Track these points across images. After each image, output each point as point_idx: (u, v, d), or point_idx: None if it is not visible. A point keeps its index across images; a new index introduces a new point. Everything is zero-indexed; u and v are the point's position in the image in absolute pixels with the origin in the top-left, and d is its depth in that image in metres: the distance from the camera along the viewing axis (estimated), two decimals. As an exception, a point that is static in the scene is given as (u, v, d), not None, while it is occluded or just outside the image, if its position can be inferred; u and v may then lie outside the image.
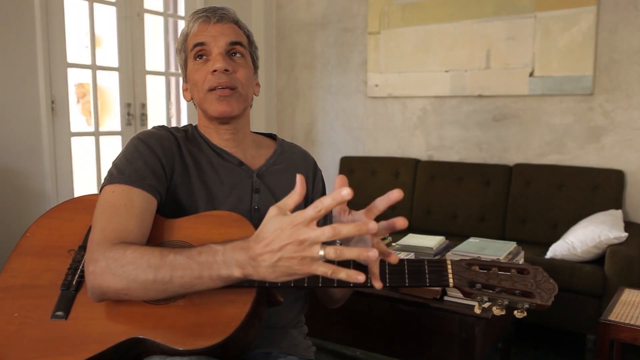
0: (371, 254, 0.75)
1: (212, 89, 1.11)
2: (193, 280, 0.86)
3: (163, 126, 1.17)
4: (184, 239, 1.01)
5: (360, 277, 0.76)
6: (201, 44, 1.12)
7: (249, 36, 1.19)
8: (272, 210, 0.81)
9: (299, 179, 0.81)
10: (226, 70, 1.10)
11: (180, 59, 1.19)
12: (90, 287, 0.92)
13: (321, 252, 0.77)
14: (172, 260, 0.87)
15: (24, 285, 1.00)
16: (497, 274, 0.93)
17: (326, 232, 0.75)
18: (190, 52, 1.14)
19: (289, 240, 0.77)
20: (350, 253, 0.76)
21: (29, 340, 0.93)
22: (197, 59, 1.13)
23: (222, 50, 1.12)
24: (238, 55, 1.14)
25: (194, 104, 1.22)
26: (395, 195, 0.81)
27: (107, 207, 0.99)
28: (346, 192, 0.75)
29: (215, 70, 1.10)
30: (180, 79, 1.23)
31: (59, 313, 0.95)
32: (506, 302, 0.90)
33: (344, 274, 0.76)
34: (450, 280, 0.92)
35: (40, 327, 0.94)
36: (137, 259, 0.89)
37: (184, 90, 1.22)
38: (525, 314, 0.90)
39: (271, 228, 0.79)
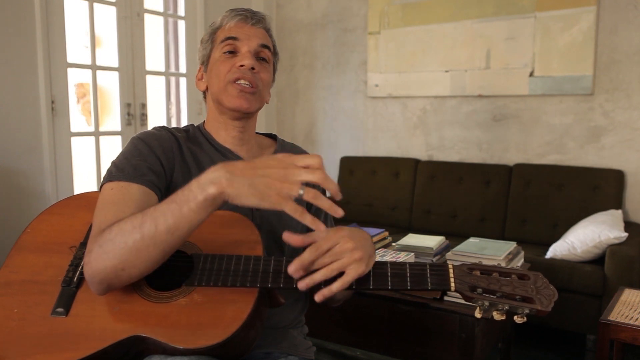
0: (340, 212, 0.83)
1: (234, 81, 1.12)
2: (176, 220, 0.85)
3: (163, 127, 1.17)
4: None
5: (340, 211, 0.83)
6: (234, 38, 1.14)
7: (275, 47, 1.22)
8: None
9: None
10: (252, 68, 1.12)
11: (204, 49, 1.20)
12: (89, 277, 0.91)
13: (301, 191, 0.81)
14: (152, 212, 0.87)
15: (24, 281, 1.00)
16: (498, 279, 0.94)
17: (316, 174, 0.82)
18: (219, 43, 1.16)
19: (276, 166, 0.82)
20: (322, 202, 0.82)
21: (29, 336, 0.93)
22: (226, 53, 1.15)
23: (252, 50, 1.14)
24: (264, 60, 1.17)
25: (204, 95, 1.23)
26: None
27: (106, 204, 0.99)
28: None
29: (242, 65, 1.12)
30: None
31: (60, 309, 0.95)
32: (506, 307, 0.90)
33: (309, 218, 0.82)
34: (452, 285, 0.93)
35: (41, 323, 0.94)
36: (122, 226, 0.89)
37: (197, 79, 1.24)
38: (525, 319, 0.90)
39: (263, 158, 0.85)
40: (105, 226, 0.93)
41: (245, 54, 1.13)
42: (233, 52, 1.14)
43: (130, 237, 0.87)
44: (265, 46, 1.16)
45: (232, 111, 1.15)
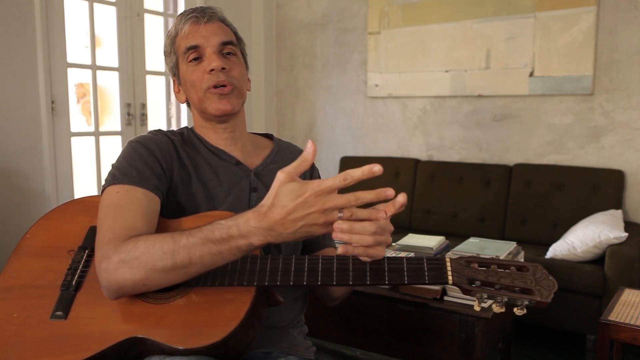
0: (391, 195, 0.83)
1: (210, 88, 1.12)
2: (213, 257, 0.88)
3: (159, 130, 1.17)
4: None
5: (380, 215, 0.84)
6: (194, 47, 1.13)
7: (235, 33, 1.20)
8: (282, 176, 0.83)
9: (310, 145, 0.84)
10: (223, 68, 1.11)
11: (170, 61, 1.19)
12: (106, 283, 0.92)
13: (340, 214, 0.83)
14: (186, 243, 0.88)
15: (24, 286, 1.01)
16: (497, 272, 0.93)
17: (351, 199, 0.82)
18: (182, 54, 1.15)
19: (313, 209, 0.81)
20: (362, 213, 0.84)
21: (29, 340, 0.93)
22: (191, 60, 1.14)
23: (215, 50, 1.13)
24: (231, 54, 1.15)
25: (188, 105, 1.22)
26: (401, 200, 0.85)
27: (112, 207, 0.99)
28: (377, 169, 0.82)
29: (212, 70, 1.11)
30: (172, 82, 1.23)
31: (59, 313, 0.95)
32: (506, 299, 0.90)
33: (363, 215, 0.84)
34: (450, 278, 0.92)
35: (40, 327, 0.94)
36: (150, 248, 0.89)
37: (176, 93, 1.22)
38: (525, 311, 0.90)
39: (290, 196, 0.82)
40: (120, 231, 0.94)
41: (210, 56, 1.12)
42: (199, 58, 1.13)
43: (160, 262, 0.89)
44: (226, 42, 1.14)
45: (217, 117, 1.15)
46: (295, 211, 0.81)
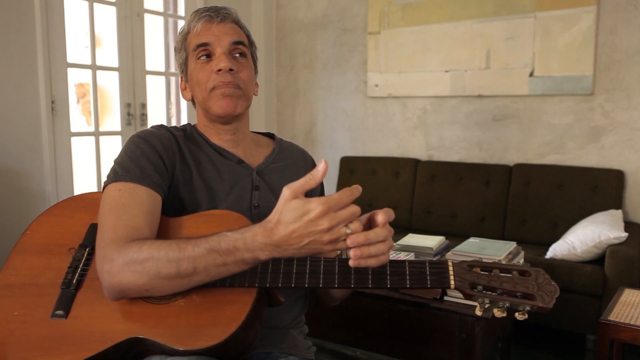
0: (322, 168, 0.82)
1: (215, 88, 1.12)
2: (218, 268, 0.88)
3: (162, 125, 1.17)
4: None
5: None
6: (205, 44, 1.12)
7: (248, 36, 1.20)
8: (286, 193, 0.82)
9: (324, 165, 0.82)
10: (230, 69, 1.11)
11: (180, 58, 1.19)
12: (109, 285, 0.91)
13: (348, 231, 0.82)
14: (191, 252, 0.88)
15: (24, 284, 1.00)
16: (499, 276, 0.93)
17: (355, 210, 0.81)
18: (192, 51, 1.14)
19: (318, 227, 0.80)
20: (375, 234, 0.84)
21: (29, 339, 0.93)
22: (200, 58, 1.13)
23: (225, 50, 1.12)
24: (241, 55, 1.15)
25: (193, 104, 1.22)
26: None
27: (115, 205, 0.99)
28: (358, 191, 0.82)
29: (219, 70, 1.11)
30: (180, 79, 1.23)
31: (59, 312, 0.95)
32: (507, 305, 0.90)
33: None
34: (452, 282, 0.92)
35: (41, 325, 0.94)
36: (155, 254, 0.89)
37: (182, 90, 1.22)
38: (526, 315, 0.89)
39: (294, 214, 0.81)
40: (122, 232, 0.94)
41: (219, 56, 1.12)
42: (208, 56, 1.13)
43: (165, 269, 0.88)
44: (238, 42, 1.14)
45: (220, 117, 1.14)
46: (299, 229, 0.80)
